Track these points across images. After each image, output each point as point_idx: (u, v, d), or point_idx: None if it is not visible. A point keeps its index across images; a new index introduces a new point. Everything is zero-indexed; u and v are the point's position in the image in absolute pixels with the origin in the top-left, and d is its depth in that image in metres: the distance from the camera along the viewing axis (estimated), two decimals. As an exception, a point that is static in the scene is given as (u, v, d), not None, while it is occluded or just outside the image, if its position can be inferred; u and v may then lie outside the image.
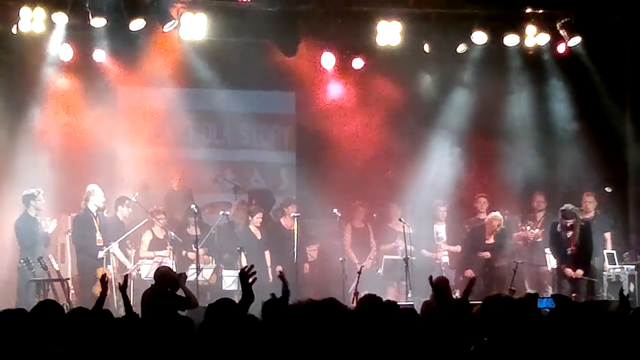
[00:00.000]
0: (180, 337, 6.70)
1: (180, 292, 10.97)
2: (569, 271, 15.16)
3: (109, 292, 9.10)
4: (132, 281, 15.01)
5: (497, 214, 16.10)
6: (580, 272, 15.14)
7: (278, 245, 16.22)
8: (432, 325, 7.41)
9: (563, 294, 11.42)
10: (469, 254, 16.12)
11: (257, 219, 16.22)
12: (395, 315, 7.13)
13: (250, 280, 7.31)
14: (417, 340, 6.69)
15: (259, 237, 16.16)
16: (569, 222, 15.11)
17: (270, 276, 15.30)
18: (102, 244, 15.05)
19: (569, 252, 15.17)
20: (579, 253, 15.20)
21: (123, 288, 8.87)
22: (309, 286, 16.07)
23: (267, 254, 16.11)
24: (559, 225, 15.25)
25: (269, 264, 16.06)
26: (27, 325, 6.65)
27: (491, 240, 15.92)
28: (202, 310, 7.65)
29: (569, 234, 15.17)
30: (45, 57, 15.89)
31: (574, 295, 14.39)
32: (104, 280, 8.82)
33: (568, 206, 15.27)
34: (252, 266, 7.48)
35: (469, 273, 15.55)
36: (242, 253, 15.67)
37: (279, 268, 15.97)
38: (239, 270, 15.33)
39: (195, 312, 10.31)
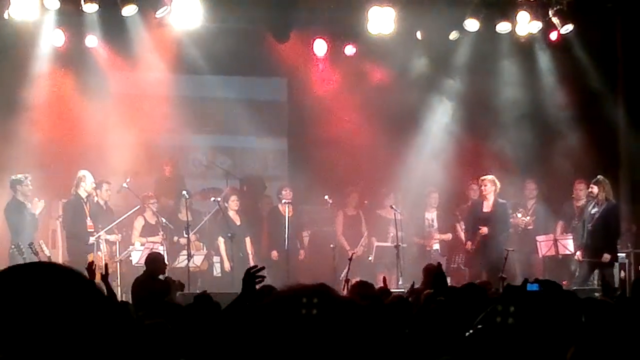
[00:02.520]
0: (172, 324, 6.66)
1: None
2: (578, 255, 15.20)
3: (97, 278, 9.05)
4: (120, 266, 15.08)
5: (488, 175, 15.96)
6: (607, 256, 14.81)
7: (274, 231, 16.23)
8: (430, 312, 7.40)
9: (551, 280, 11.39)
10: (469, 228, 16.02)
11: (233, 202, 16.16)
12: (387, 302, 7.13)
13: (257, 280, 7.12)
14: (410, 327, 6.69)
15: (238, 223, 16.12)
16: (595, 189, 15.01)
17: (252, 263, 15.27)
18: (92, 230, 15.05)
19: (589, 227, 15.06)
20: (596, 231, 14.98)
21: (105, 278, 8.86)
22: (299, 272, 16.09)
23: (247, 240, 16.11)
24: (590, 204, 15.22)
25: (249, 250, 16.08)
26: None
27: (488, 209, 15.76)
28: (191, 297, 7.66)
29: (594, 210, 15.09)
30: (37, 43, 15.85)
31: (564, 282, 14.39)
32: (91, 268, 8.81)
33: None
34: (262, 268, 7.34)
35: (469, 245, 15.59)
36: (222, 239, 15.67)
37: (274, 253, 16.05)
38: (222, 256, 15.55)
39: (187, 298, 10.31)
